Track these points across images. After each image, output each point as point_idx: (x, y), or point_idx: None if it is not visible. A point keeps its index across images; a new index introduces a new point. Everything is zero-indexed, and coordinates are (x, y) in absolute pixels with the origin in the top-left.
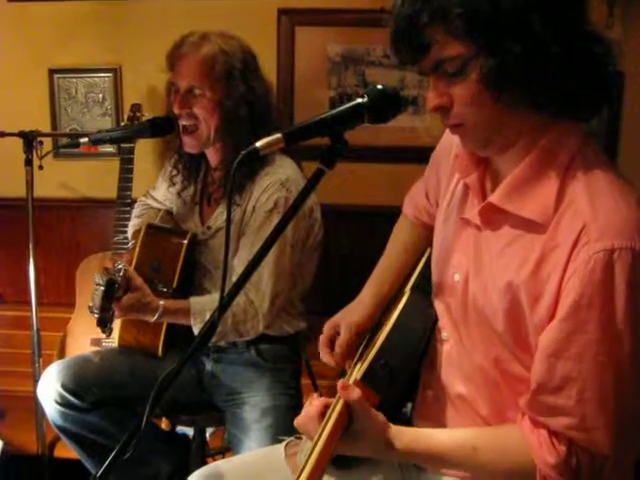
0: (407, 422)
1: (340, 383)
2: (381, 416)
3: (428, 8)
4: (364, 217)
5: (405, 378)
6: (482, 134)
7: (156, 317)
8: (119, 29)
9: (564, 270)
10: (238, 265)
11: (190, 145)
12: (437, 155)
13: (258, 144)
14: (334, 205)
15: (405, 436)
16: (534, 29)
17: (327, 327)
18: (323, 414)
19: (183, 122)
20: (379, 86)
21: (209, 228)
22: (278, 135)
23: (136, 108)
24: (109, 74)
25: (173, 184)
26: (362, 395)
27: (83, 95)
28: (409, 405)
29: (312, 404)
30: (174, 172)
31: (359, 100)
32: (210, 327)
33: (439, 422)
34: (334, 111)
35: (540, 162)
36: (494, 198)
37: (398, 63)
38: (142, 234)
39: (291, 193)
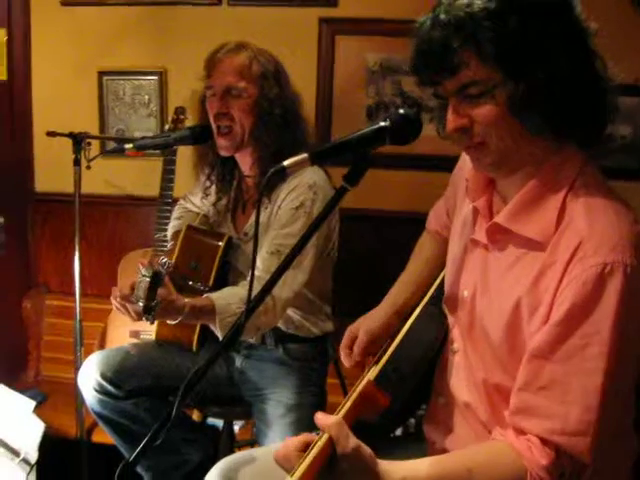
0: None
1: (318, 414)
2: (368, 450)
3: (461, 32)
4: (383, 222)
5: (415, 382)
6: (501, 154)
7: (182, 317)
8: (165, 34)
9: (560, 282)
10: (258, 259)
11: (224, 147)
12: (455, 177)
13: (285, 163)
14: (353, 209)
15: (396, 472)
16: (557, 56)
17: (348, 332)
18: (303, 450)
19: (219, 123)
20: (401, 111)
21: (245, 234)
22: (305, 155)
23: (180, 111)
24: (155, 77)
25: (206, 195)
26: (343, 422)
27: (130, 97)
28: (412, 420)
29: (293, 439)
30: (207, 184)
31: (382, 124)
32: (237, 328)
33: (447, 427)
34: (358, 133)
35: (543, 186)
36: (500, 218)
37: (417, 83)
38: (182, 234)
39: (317, 196)
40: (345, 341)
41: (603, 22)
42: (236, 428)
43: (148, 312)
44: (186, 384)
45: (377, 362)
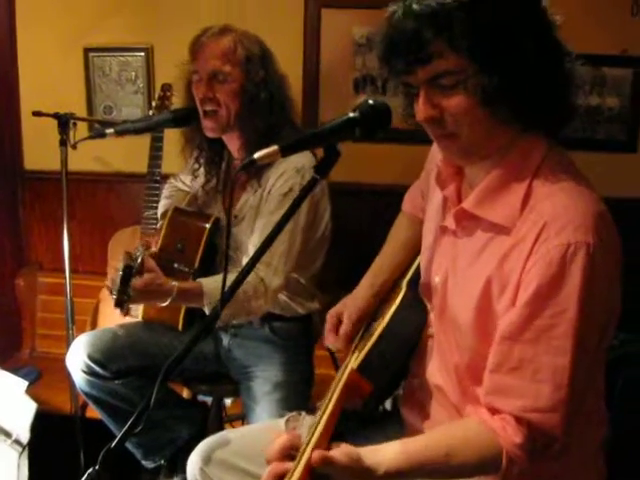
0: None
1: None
2: (353, 454)
3: (434, 23)
4: (377, 196)
5: (396, 368)
6: (471, 144)
7: (170, 299)
8: (151, 10)
9: (525, 262)
10: (250, 247)
11: (211, 128)
12: (428, 164)
13: (256, 155)
14: (348, 183)
15: (378, 469)
16: (527, 48)
17: (330, 316)
18: (287, 455)
19: (205, 107)
20: (370, 101)
21: (235, 217)
22: (275, 147)
23: (166, 88)
24: (141, 53)
25: (195, 177)
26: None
27: (116, 73)
28: (387, 402)
29: (278, 439)
30: (196, 166)
31: (351, 115)
32: (216, 313)
33: (422, 408)
34: (328, 125)
35: (509, 172)
36: (466, 204)
37: (387, 73)
38: (169, 216)
39: (304, 180)
40: (329, 326)
41: None
42: (228, 402)
43: (120, 305)
44: (163, 374)
45: (358, 348)
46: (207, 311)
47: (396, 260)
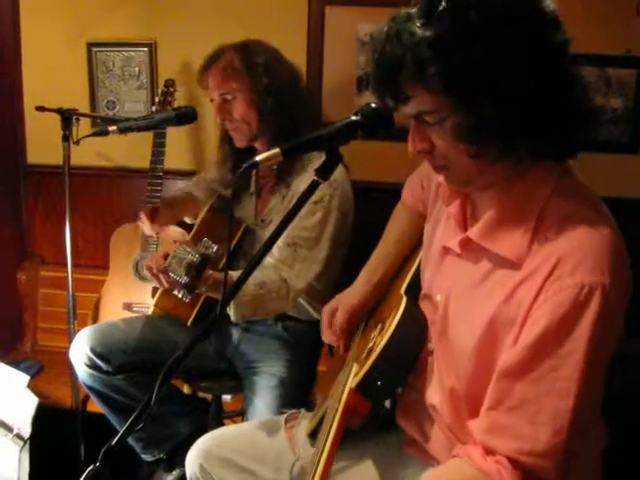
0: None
1: None
2: None
3: (406, 63)
4: (386, 194)
5: (395, 387)
6: (463, 177)
7: (205, 287)
8: (155, 5)
9: (535, 298)
10: (273, 250)
11: (238, 140)
12: None
13: (257, 158)
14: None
15: None
16: (512, 86)
17: (326, 311)
18: None
19: (227, 127)
20: (373, 105)
21: (262, 221)
22: (277, 150)
23: (169, 83)
24: (144, 49)
25: (224, 177)
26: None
27: (120, 68)
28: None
29: None
30: (229, 164)
31: (353, 118)
32: (214, 317)
33: (417, 423)
34: (330, 128)
35: (517, 204)
36: (473, 234)
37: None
38: (204, 213)
39: (336, 192)
40: (325, 321)
41: None
42: (227, 398)
43: (190, 290)
44: (164, 374)
45: (358, 361)
46: (232, 305)
47: (392, 256)
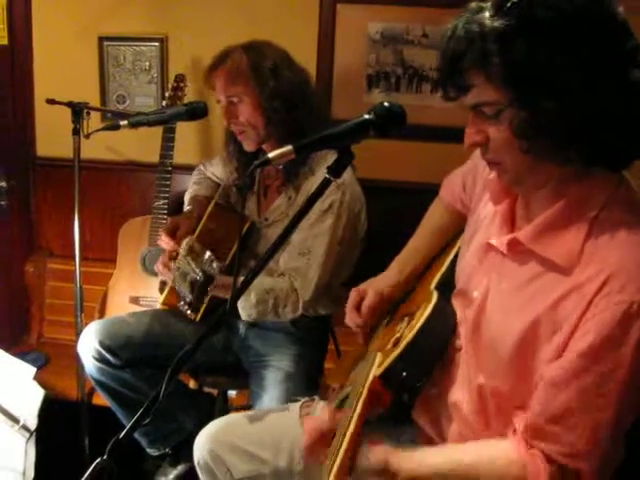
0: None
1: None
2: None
3: (471, 51)
4: (394, 192)
5: (419, 380)
6: (515, 174)
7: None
8: (166, 0)
9: (584, 312)
10: (285, 258)
11: (247, 144)
12: (477, 156)
13: (270, 155)
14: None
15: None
16: (572, 87)
17: (354, 293)
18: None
19: (234, 129)
20: (385, 104)
21: (267, 219)
22: (289, 147)
23: (180, 79)
24: (155, 43)
25: (230, 173)
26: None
27: (130, 63)
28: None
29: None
30: (235, 163)
31: (366, 116)
32: (223, 313)
33: (434, 419)
34: (343, 126)
35: (569, 209)
36: (522, 237)
37: (444, 98)
38: (210, 209)
39: (345, 196)
40: (351, 302)
41: None
42: (233, 393)
43: (195, 310)
44: (173, 367)
45: (384, 347)
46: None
47: (426, 248)
